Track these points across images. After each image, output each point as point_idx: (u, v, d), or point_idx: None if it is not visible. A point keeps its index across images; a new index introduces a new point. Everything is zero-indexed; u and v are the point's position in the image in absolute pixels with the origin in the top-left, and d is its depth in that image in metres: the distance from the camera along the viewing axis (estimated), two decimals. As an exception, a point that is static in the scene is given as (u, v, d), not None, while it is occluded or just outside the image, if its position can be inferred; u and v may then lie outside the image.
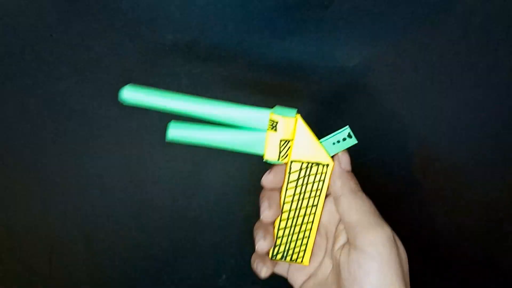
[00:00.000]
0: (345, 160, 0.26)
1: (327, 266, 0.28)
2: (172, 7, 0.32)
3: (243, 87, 0.35)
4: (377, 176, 0.38)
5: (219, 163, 0.38)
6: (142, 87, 0.24)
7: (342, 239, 0.26)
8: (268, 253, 0.28)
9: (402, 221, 0.40)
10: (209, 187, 0.39)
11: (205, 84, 0.35)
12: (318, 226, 0.27)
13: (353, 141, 0.25)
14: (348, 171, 0.26)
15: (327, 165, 0.25)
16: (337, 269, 0.26)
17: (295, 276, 0.29)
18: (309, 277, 0.28)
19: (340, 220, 0.27)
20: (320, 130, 0.37)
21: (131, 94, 0.24)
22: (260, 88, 0.36)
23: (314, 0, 0.32)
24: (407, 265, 0.24)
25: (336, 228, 0.27)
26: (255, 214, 0.39)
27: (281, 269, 0.30)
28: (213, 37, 0.33)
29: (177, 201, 0.39)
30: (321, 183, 0.26)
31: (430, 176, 0.38)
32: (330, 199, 0.27)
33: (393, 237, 0.24)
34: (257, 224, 0.27)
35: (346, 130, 0.26)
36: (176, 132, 0.25)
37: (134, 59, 0.34)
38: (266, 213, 0.25)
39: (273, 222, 0.27)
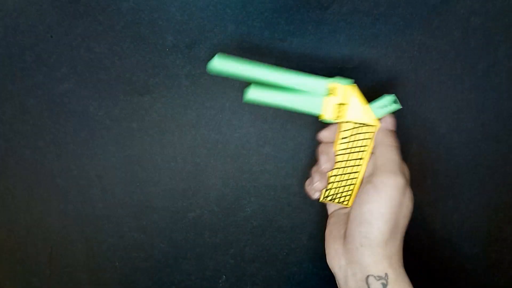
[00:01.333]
0: (389, 121, 0.31)
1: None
2: (172, 8, 0.32)
3: (243, 88, 0.36)
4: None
5: (219, 164, 0.38)
6: (229, 57, 0.29)
7: (366, 175, 0.32)
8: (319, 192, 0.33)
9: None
10: (209, 187, 0.39)
11: (205, 85, 0.35)
12: (362, 177, 0.32)
13: (398, 106, 0.30)
14: (390, 130, 0.31)
15: (374, 126, 0.30)
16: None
17: (331, 206, 0.35)
18: (339, 208, 0.35)
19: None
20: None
21: (220, 64, 0.29)
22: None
23: (314, 1, 0.32)
24: (407, 218, 0.29)
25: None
26: (255, 215, 0.39)
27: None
28: (213, 38, 0.34)
29: (177, 202, 0.39)
30: (367, 140, 0.31)
31: (430, 176, 0.38)
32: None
33: (404, 188, 0.28)
34: (314, 168, 0.33)
35: (393, 96, 0.30)
36: (253, 94, 0.30)
37: (135, 60, 0.34)
38: (326, 165, 0.31)
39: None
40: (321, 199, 0.33)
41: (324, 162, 0.31)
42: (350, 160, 0.31)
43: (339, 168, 0.32)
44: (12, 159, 0.37)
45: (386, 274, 0.28)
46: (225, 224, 0.40)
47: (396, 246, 0.29)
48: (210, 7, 0.32)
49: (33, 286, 0.41)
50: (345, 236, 0.30)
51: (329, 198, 0.33)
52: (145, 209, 0.39)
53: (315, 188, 0.32)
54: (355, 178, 0.32)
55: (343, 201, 0.33)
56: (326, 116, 0.30)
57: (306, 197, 0.38)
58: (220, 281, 0.42)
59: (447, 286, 0.41)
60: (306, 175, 0.38)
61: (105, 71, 0.34)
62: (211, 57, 0.34)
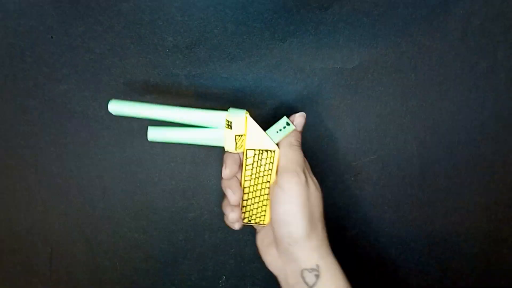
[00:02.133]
0: (298, 121, 0.32)
1: None
2: (172, 9, 0.32)
3: (243, 89, 0.36)
4: (376, 177, 0.38)
5: (219, 164, 0.38)
6: (124, 101, 0.29)
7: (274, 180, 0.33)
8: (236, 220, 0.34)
9: (402, 221, 0.40)
10: (209, 188, 0.39)
11: (205, 86, 0.35)
12: None
13: (291, 127, 0.32)
14: (297, 131, 0.32)
15: (274, 151, 0.31)
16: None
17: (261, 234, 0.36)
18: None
19: None
20: (320, 130, 0.37)
21: (116, 107, 0.29)
22: (260, 89, 0.36)
23: (313, 2, 0.32)
24: (320, 206, 0.31)
25: None
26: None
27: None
28: (213, 38, 0.34)
29: (177, 202, 0.39)
30: (270, 164, 0.32)
31: (429, 177, 0.38)
32: None
33: (305, 182, 0.30)
34: (224, 202, 0.34)
35: (284, 119, 0.32)
36: (153, 134, 0.31)
37: (135, 61, 0.34)
38: (233, 198, 0.32)
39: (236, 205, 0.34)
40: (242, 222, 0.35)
41: (230, 195, 0.32)
42: (258, 184, 0.33)
43: (250, 192, 0.33)
44: (12, 159, 0.37)
45: (317, 265, 0.29)
46: (225, 225, 0.40)
47: (319, 235, 0.30)
48: (210, 8, 0.32)
49: (33, 286, 0.41)
50: (275, 241, 0.32)
51: (246, 220, 0.34)
52: (145, 209, 0.39)
53: (232, 220, 0.33)
54: (266, 199, 0.33)
55: (260, 221, 0.34)
56: (228, 148, 0.31)
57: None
58: (220, 281, 0.42)
59: (447, 286, 0.41)
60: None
61: (106, 72, 0.35)
62: (211, 58, 0.34)
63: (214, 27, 0.33)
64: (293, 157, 0.31)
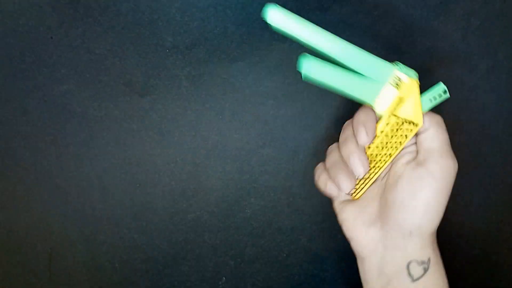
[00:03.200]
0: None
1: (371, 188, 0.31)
2: (172, 9, 0.32)
3: (243, 89, 0.36)
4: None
5: (219, 165, 0.38)
6: (288, 12, 0.24)
7: (406, 158, 0.29)
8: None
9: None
10: (208, 188, 0.39)
11: (205, 86, 0.35)
12: (381, 172, 0.30)
13: (447, 95, 0.27)
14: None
15: (417, 125, 0.27)
16: (391, 180, 0.28)
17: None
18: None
19: (409, 145, 0.29)
20: (320, 130, 0.37)
21: (277, 16, 0.24)
22: (260, 89, 0.36)
23: (313, 2, 0.32)
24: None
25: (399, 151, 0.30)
26: (255, 216, 0.39)
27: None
28: (213, 39, 0.34)
29: (176, 203, 0.39)
30: (404, 137, 0.28)
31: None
32: None
33: (456, 171, 0.27)
34: (346, 146, 0.28)
35: (441, 86, 0.27)
36: (309, 66, 0.25)
37: (135, 61, 0.34)
38: (364, 140, 0.27)
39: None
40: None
41: (363, 135, 0.26)
42: (379, 154, 0.29)
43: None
44: (12, 160, 0.37)
45: (429, 259, 0.27)
46: (225, 225, 0.40)
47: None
48: (210, 8, 0.32)
49: (32, 287, 0.41)
50: (383, 223, 0.28)
51: None
52: (145, 210, 0.39)
53: (356, 168, 0.27)
54: (374, 173, 0.29)
55: (353, 194, 0.30)
56: (379, 108, 0.27)
57: (306, 198, 0.38)
58: (220, 282, 0.41)
59: (447, 287, 0.41)
60: (306, 175, 0.38)
61: (105, 72, 0.34)
62: (211, 58, 0.34)
63: (214, 27, 0.33)
64: (445, 136, 0.27)
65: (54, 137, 0.37)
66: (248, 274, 0.41)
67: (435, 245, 0.28)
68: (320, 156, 0.38)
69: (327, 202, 0.34)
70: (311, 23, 0.25)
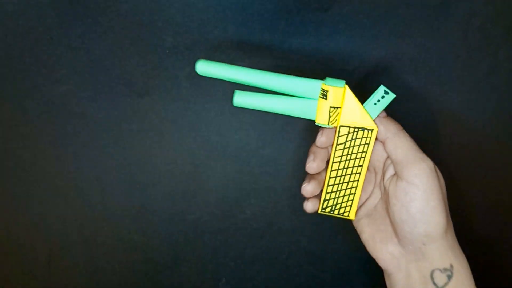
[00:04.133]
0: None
1: (376, 196, 0.32)
2: (172, 9, 0.32)
3: (242, 90, 0.35)
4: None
5: (219, 165, 0.38)
6: (213, 62, 0.28)
7: (390, 172, 0.29)
8: (310, 197, 0.31)
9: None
10: (208, 189, 0.39)
11: (205, 87, 0.35)
12: (362, 185, 0.30)
13: (391, 96, 0.28)
14: (386, 117, 0.29)
15: (372, 130, 0.28)
16: (385, 197, 0.30)
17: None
18: (361, 207, 0.32)
19: (387, 157, 0.30)
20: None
21: (204, 68, 0.28)
22: (260, 90, 0.36)
23: (314, 3, 0.32)
24: (445, 189, 0.28)
25: (384, 164, 0.31)
26: (255, 217, 0.39)
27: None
28: (213, 39, 0.34)
29: (176, 204, 0.39)
30: (366, 146, 0.28)
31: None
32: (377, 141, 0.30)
33: (434, 168, 0.27)
34: (307, 177, 0.31)
35: (382, 88, 0.28)
36: (240, 99, 0.29)
37: (134, 62, 0.34)
38: (309, 165, 0.29)
39: (317, 174, 0.30)
40: (319, 211, 0.32)
41: (309, 161, 0.29)
42: (349, 167, 0.30)
43: (337, 176, 0.30)
44: (11, 161, 0.37)
45: (451, 266, 0.27)
46: (224, 226, 0.40)
47: (453, 230, 0.28)
48: (210, 9, 0.32)
49: (31, 289, 0.41)
50: (398, 238, 0.28)
51: (328, 209, 0.31)
52: (145, 211, 0.39)
53: (304, 192, 0.30)
54: (354, 187, 0.30)
55: (344, 212, 0.31)
56: (320, 120, 0.29)
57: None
58: (220, 283, 0.41)
59: None
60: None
61: (105, 73, 0.34)
62: (211, 59, 0.34)
63: (214, 28, 0.33)
64: (407, 143, 0.27)
65: (53, 137, 0.37)
66: (248, 275, 0.41)
67: (458, 251, 0.28)
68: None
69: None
70: (236, 66, 0.28)
